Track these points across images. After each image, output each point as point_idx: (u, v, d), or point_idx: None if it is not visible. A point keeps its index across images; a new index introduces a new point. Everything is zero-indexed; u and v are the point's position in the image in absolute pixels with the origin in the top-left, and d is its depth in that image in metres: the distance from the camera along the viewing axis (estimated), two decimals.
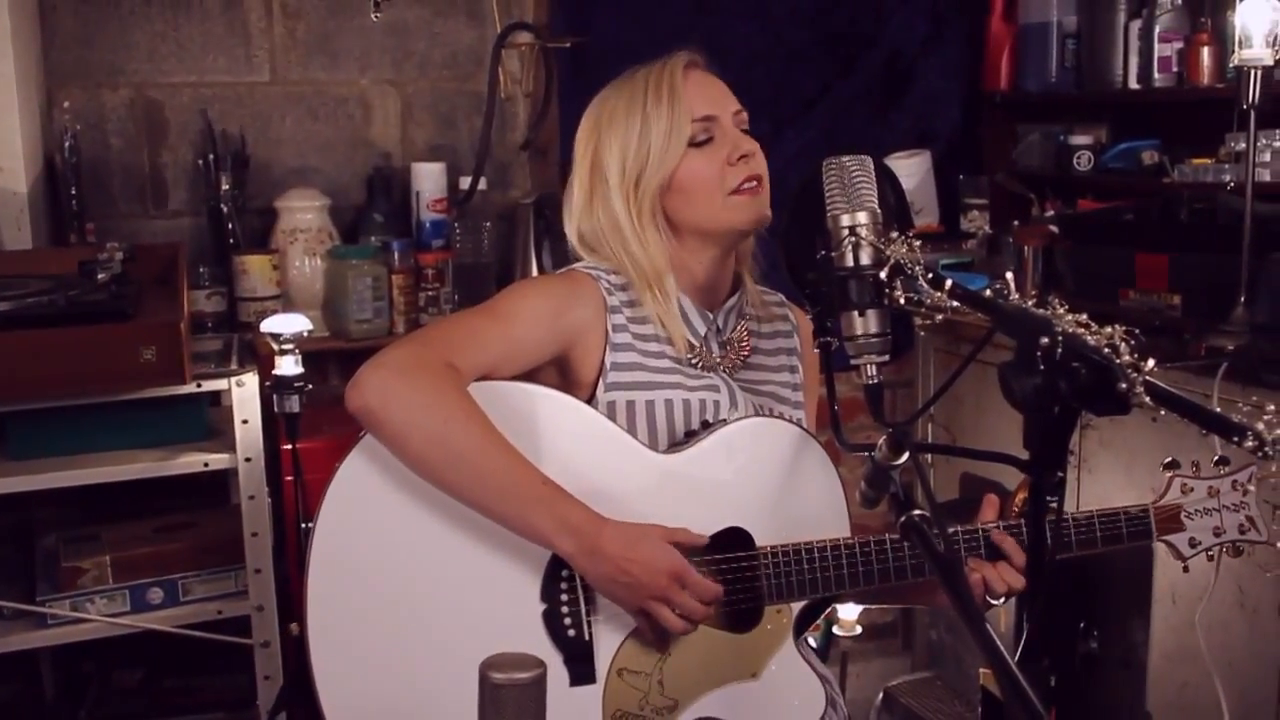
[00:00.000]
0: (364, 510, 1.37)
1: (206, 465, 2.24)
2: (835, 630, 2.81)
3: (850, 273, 1.19)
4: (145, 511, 2.45)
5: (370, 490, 1.36)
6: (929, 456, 2.88)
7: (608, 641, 1.40)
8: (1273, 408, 0.98)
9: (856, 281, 1.19)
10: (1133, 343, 0.98)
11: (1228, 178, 2.60)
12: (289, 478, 2.28)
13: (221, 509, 2.52)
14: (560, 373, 1.50)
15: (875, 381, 1.20)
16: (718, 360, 1.55)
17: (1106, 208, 2.89)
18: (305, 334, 2.16)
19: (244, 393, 2.23)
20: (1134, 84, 2.89)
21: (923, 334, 2.95)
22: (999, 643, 0.92)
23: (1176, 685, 2.31)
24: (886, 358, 1.21)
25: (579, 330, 1.47)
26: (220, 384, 2.24)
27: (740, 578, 1.43)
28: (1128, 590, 2.38)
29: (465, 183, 2.85)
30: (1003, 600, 1.45)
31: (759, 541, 1.44)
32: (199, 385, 2.20)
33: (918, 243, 1.19)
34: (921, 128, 3.29)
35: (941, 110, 3.31)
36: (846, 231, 1.20)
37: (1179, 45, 2.77)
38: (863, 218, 1.20)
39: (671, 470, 1.44)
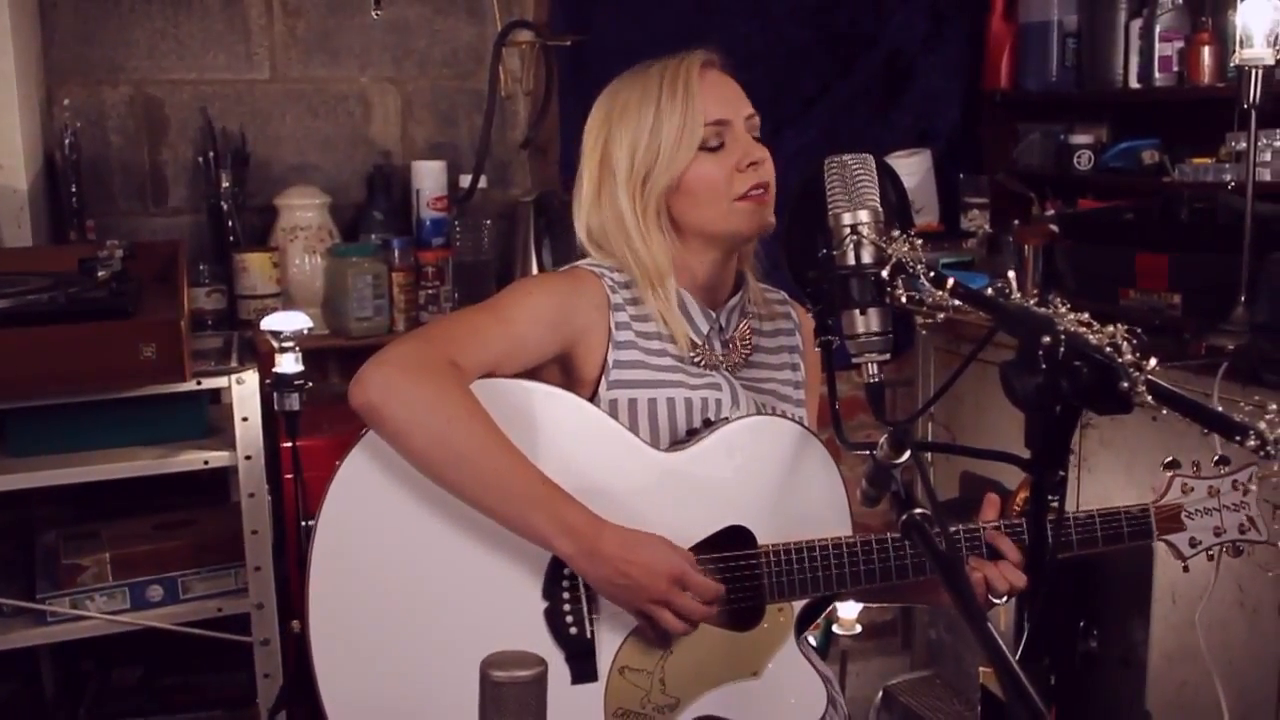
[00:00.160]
0: (366, 507, 1.36)
1: (206, 463, 2.24)
2: (835, 629, 2.81)
3: (852, 271, 1.19)
4: (145, 509, 2.45)
5: (372, 487, 1.36)
6: (929, 455, 2.88)
7: (609, 639, 1.40)
8: (1274, 407, 0.98)
9: (858, 280, 1.19)
10: (1134, 342, 0.98)
11: (1228, 177, 2.60)
12: (289, 475, 2.28)
13: (221, 507, 2.52)
14: (563, 370, 1.50)
15: (876, 380, 1.20)
16: (720, 359, 1.55)
17: (1107, 207, 2.89)
18: (305, 332, 2.15)
19: (244, 390, 2.23)
20: (1134, 83, 2.89)
21: (924, 333, 2.95)
22: (1000, 641, 0.92)
23: (1176, 684, 2.31)
24: (888, 356, 1.21)
25: (582, 328, 1.47)
26: (220, 382, 2.24)
27: (742, 576, 1.43)
28: (1128, 589, 2.39)
29: (465, 181, 2.85)
30: (1004, 599, 1.45)
31: (760, 540, 1.44)
32: (199, 383, 2.20)
33: (919, 241, 1.19)
34: (922, 127, 3.29)
35: (942, 109, 3.31)
36: (848, 230, 1.20)
37: (1179, 44, 2.77)
38: (864, 216, 1.20)
39: (673, 469, 1.44)
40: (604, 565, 1.32)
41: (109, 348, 2.04)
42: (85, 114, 2.71)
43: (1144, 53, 2.85)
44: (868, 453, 1.18)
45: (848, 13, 3.18)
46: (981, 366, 1.22)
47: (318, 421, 2.33)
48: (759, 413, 1.53)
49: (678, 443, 1.47)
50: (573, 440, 1.41)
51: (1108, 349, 0.97)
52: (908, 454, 1.15)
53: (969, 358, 1.16)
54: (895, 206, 1.27)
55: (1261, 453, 0.94)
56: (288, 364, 2.14)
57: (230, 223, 2.72)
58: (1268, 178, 2.50)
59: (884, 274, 1.18)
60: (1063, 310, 1.02)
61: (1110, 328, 0.99)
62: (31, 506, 2.48)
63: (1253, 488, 1.52)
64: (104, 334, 2.04)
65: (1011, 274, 1.13)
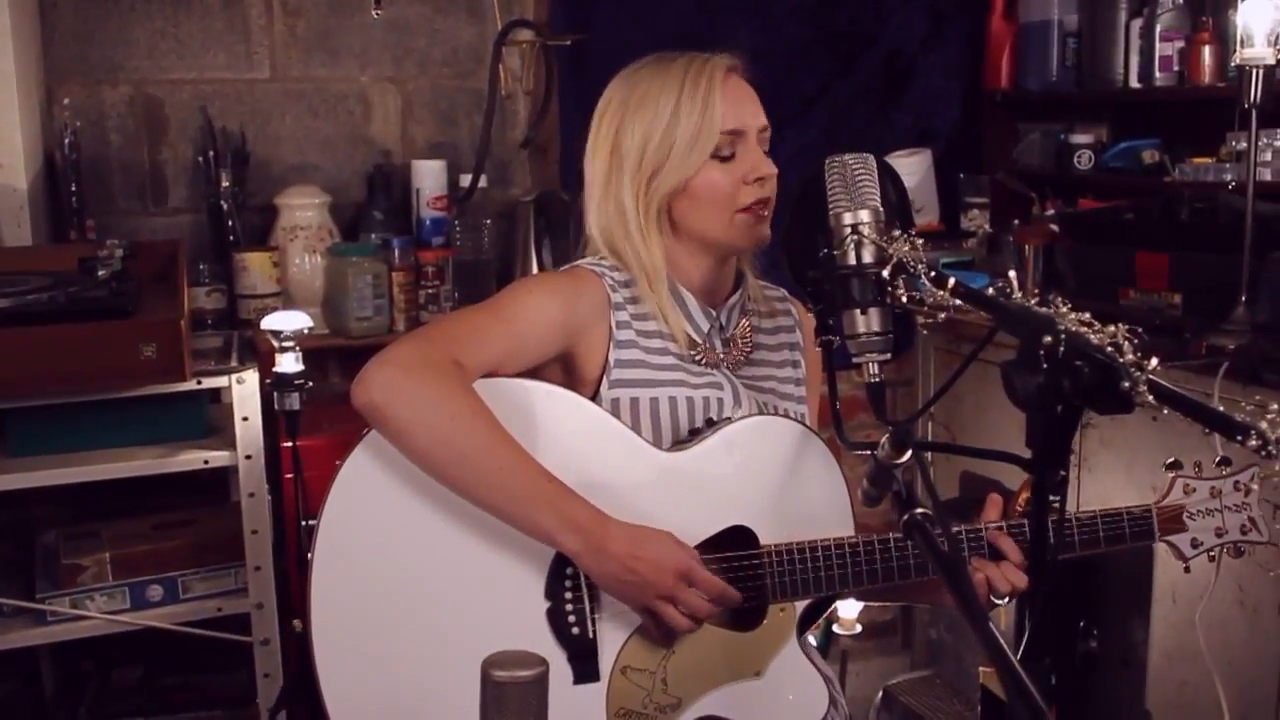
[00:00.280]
0: (368, 507, 1.36)
1: (206, 462, 2.24)
2: (835, 629, 2.81)
3: (852, 271, 1.19)
4: (145, 509, 2.45)
5: (374, 487, 1.36)
6: (929, 455, 2.88)
7: (612, 639, 1.40)
8: (1276, 407, 0.97)
9: (859, 279, 1.19)
10: (1136, 342, 0.98)
11: (1229, 177, 2.60)
12: (289, 475, 2.28)
13: (221, 506, 2.52)
14: (564, 370, 1.50)
15: (877, 380, 1.20)
16: (721, 357, 1.55)
17: (1107, 207, 2.89)
18: (305, 331, 2.15)
19: (244, 390, 2.23)
20: (1135, 83, 2.89)
21: (925, 332, 2.95)
22: (1002, 642, 0.92)
23: (1176, 684, 2.31)
24: (889, 356, 1.21)
25: (583, 327, 1.47)
26: (220, 381, 2.24)
27: (744, 576, 1.43)
28: (1128, 589, 2.38)
29: (465, 180, 2.85)
30: (1006, 600, 1.45)
31: (763, 540, 1.44)
32: (199, 382, 2.20)
33: (920, 241, 1.19)
34: (922, 126, 3.29)
35: (942, 109, 3.31)
36: (849, 229, 1.20)
37: (1180, 44, 2.77)
38: (865, 216, 1.20)
39: (675, 468, 1.44)
40: (610, 562, 1.32)
41: (109, 347, 2.04)
42: (85, 113, 2.71)
43: (1144, 52, 2.85)
44: (869, 453, 1.18)
45: (848, 12, 3.18)
46: (981, 366, 1.22)
47: (318, 421, 2.33)
48: (760, 412, 1.53)
49: (680, 442, 1.47)
50: (574, 440, 1.41)
51: (1109, 349, 0.97)
52: (909, 454, 1.15)
53: (969, 357, 1.16)
54: (896, 206, 1.27)
55: (1263, 453, 0.94)
56: (288, 363, 2.14)
57: (230, 222, 2.72)
58: (1268, 177, 2.50)
59: (885, 274, 1.18)
60: (1064, 310, 1.02)
61: (1111, 327, 0.99)
62: (31, 506, 2.48)
63: (1254, 488, 1.52)
64: (104, 333, 2.04)
65: (1012, 274, 1.14)
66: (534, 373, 1.46)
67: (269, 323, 2.16)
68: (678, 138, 1.45)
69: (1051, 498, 1.05)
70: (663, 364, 1.50)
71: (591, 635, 1.39)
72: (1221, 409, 0.98)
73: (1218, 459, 1.53)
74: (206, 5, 2.79)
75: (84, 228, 2.59)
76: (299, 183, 2.83)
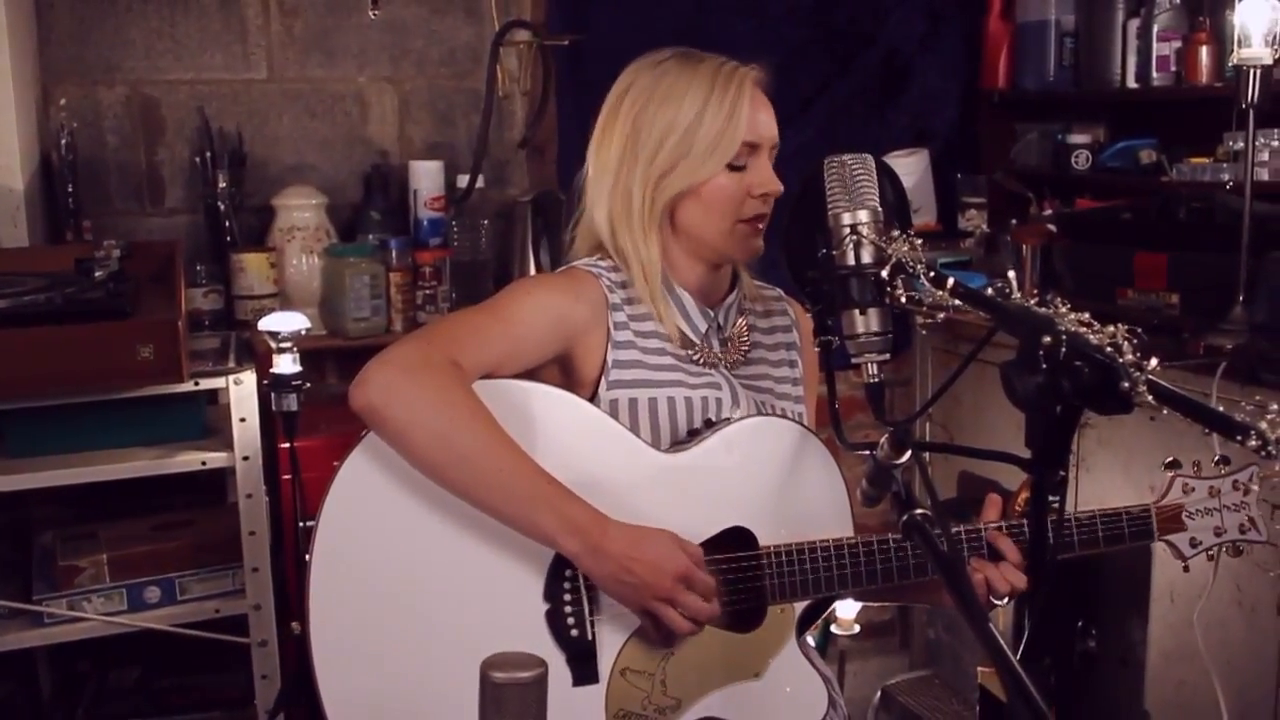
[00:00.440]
0: (366, 508, 1.36)
1: (204, 464, 2.24)
2: (833, 629, 2.81)
3: (851, 271, 1.19)
4: (142, 510, 2.44)
5: (373, 488, 1.36)
6: (927, 455, 2.88)
7: (611, 641, 1.40)
8: (1276, 407, 0.97)
9: (858, 279, 1.19)
10: (1135, 342, 0.98)
11: (1226, 177, 2.60)
12: (286, 476, 2.28)
13: (219, 507, 2.51)
14: (562, 371, 1.49)
15: (876, 380, 1.20)
16: (719, 356, 1.55)
17: (1105, 207, 2.89)
18: (303, 332, 2.15)
19: (241, 391, 2.23)
20: (1132, 83, 2.89)
21: (923, 333, 2.94)
22: (1002, 642, 0.92)
23: (1174, 684, 2.31)
24: (887, 356, 1.21)
25: (581, 328, 1.47)
26: (218, 382, 2.23)
27: (743, 577, 1.43)
28: (1126, 589, 2.39)
29: (463, 181, 2.85)
30: (1005, 600, 1.45)
31: (762, 541, 1.44)
32: (196, 383, 2.20)
33: (919, 241, 1.19)
34: (919, 126, 3.30)
35: (939, 109, 3.31)
36: (848, 230, 1.20)
37: (1177, 44, 2.78)
38: (864, 216, 1.20)
39: (674, 469, 1.44)
40: (609, 562, 1.32)
41: (106, 348, 2.03)
42: (81, 114, 2.71)
43: (1142, 52, 2.85)
44: (869, 453, 1.18)
45: (846, 12, 3.18)
46: (980, 367, 1.22)
47: (315, 422, 2.33)
48: (759, 412, 1.53)
49: (678, 443, 1.47)
50: (573, 441, 1.41)
51: (1108, 349, 0.97)
52: (908, 454, 1.15)
53: (969, 357, 1.16)
54: (894, 206, 1.27)
55: (1263, 453, 0.94)
56: (285, 364, 2.14)
57: (227, 223, 2.72)
58: (1265, 177, 2.50)
59: (884, 274, 1.18)
60: (1063, 310, 1.02)
61: (1111, 327, 0.99)
62: (29, 507, 2.48)
63: (1254, 487, 1.53)
64: (101, 334, 2.04)
65: (1011, 274, 1.13)
66: (532, 374, 1.46)
67: (266, 324, 2.15)
68: (699, 139, 1.45)
69: (1051, 498, 1.05)
70: (661, 364, 1.50)
71: (590, 637, 1.39)
72: (1221, 409, 0.98)
73: (1216, 458, 1.53)
74: (203, 5, 2.79)
75: (80, 228, 2.59)
76: (296, 183, 2.82)
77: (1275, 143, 2.53)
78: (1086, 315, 1.01)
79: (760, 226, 1.50)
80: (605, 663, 1.40)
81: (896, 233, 1.19)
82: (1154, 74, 2.83)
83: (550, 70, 2.91)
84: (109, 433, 2.22)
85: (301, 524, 2.20)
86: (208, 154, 2.71)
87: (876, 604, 3.04)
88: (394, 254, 2.71)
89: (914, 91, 3.27)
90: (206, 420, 2.34)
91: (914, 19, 3.24)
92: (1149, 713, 2.37)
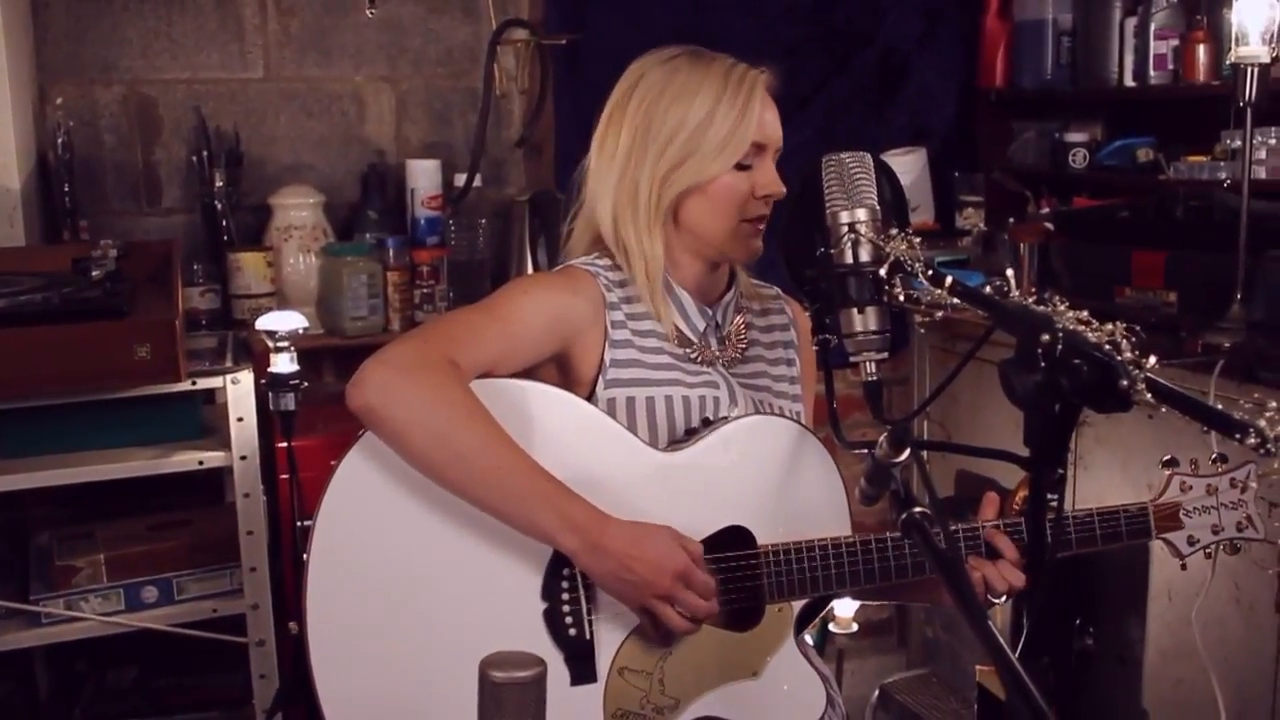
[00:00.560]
0: (364, 508, 1.36)
1: (201, 463, 2.24)
2: (831, 627, 2.81)
3: (850, 269, 1.19)
4: (140, 510, 2.44)
5: (370, 488, 1.36)
6: (924, 453, 2.88)
7: (609, 640, 1.40)
8: (1275, 404, 0.97)
9: (856, 278, 1.19)
10: (1134, 340, 0.98)
11: (1223, 175, 2.60)
12: (284, 476, 2.27)
13: (216, 507, 2.51)
14: (560, 370, 1.49)
15: (874, 379, 1.20)
16: (716, 355, 1.55)
17: (1102, 205, 2.89)
18: (301, 331, 2.15)
19: (239, 390, 2.23)
20: (1129, 81, 2.90)
21: (922, 331, 2.95)
22: (1002, 640, 0.92)
23: (1172, 682, 2.31)
24: (886, 355, 1.21)
25: (578, 327, 1.47)
26: (215, 382, 2.23)
27: (741, 576, 1.43)
28: (1124, 587, 2.39)
29: (460, 180, 2.85)
30: (1003, 599, 1.45)
31: (760, 539, 1.44)
32: (194, 383, 2.19)
33: (917, 239, 1.19)
34: (917, 125, 3.30)
35: (937, 107, 3.31)
36: (846, 228, 1.19)
37: (1175, 42, 2.78)
38: (862, 214, 1.19)
39: (672, 468, 1.43)
40: (609, 560, 1.32)
41: (103, 348, 2.03)
42: (78, 113, 2.70)
43: (1139, 50, 2.85)
44: (867, 451, 1.18)
45: (843, 11, 3.18)
46: (977, 365, 1.22)
47: (313, 421, 2.32)
48: (756, 410, 1.53)
49: (676, 442, 1.47)
50: (571, 440, 1.41)
51: (1107, 347, 0.97)
52: (907, 452, 1.15)
53: (967, 356, 1.15)
54: (892, 204, 1.27)
55: (1262, 450, 0.94)
56: (283, 364, 2.13)
57: (224, 222, 2.71)
58: (1263, 175, 2.50)
59: (882, 272, 1.18)
60: (1061, 308, 1.02)
61: (1109, 325, 0.99)
62: (26, 507, 2.47)
63: (1251, 485, 1.52)
64: (98, 334, 2.03)
65: (1010, 272, 1.13)
66: (529, 373, 1.46)
67: (264, 323, 2.15)
68: (711, 136, 1.45)
69: (1049, 496, 1.05)
70: (658, 363, 1.50)
71: (589, 636, 1.39)
72: (1220, 407, 0.98)
73: (1214, 456, 1.53)
74: (200, 5, 2.78)
75: (77, 228, 2.58)
76: (293, 182, 2.82)
77: (1273, 141, 2.53)
78: (1085, 313, 1.01)
79: (761, 227, 1.51)
80: (603, 662, 1.39)
81: (895, 231, 1.19)
82: (1151, 72, 2.83)
83: (548, 69, 2.91)
84: (106, 432, 2.22)
85: (299, 523, 2.20)
86: (204, 153, 2.71)
87: (874, 602, 3.04)
88: (391, 253, 2.71)
89: (911, 90, 3.27)
90: (204, 420, 2.34)
91: (911, 18, 3.24)
92: (1147, 711, 2.37)
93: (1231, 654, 2.17)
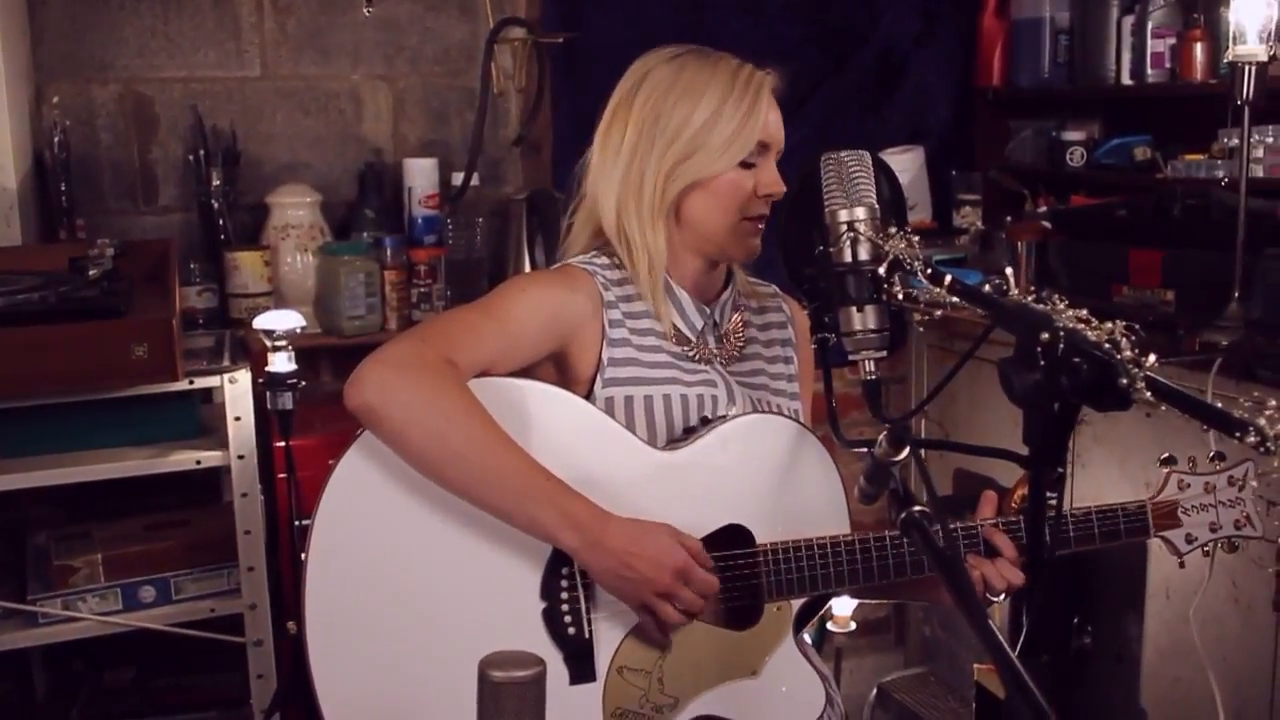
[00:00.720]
0: (362, 507, 1.36)
1: (199, 463, 2.23)
2: (829, 626, 2.81)
3: (849, 268, 1.19)
4: (137, 509, 2.43)
5: (369, 487, 1.35)
6: (922, 452, 2.88)
7: (608, 639, 1.40)
8: (1274, 403, 0.97)
9: (855, 277, 1.19)
10: (1133, 338, 0.98)
11: (1221, 173, 2.61)
12: (282, 475, 2.27)
13: (214, 507, 2.51)
14: (557, 369, 1.49)
15: (873, 377, 1.20)
16: (714, 353, 1.55)
17: (1099, 204, 2.90)
18: (298, 330, 2.15)
19: (236, 390, 2.23)
20: (1127, 80, 2.90)
21: (920, 329, 2.95)
22: (1002, 639, 0.92)
23: (1170, 680, 2.31)
24: (885, 353, 1.21)
25: (576, 326, 1.47)
26: (213, 381, 2.23)
27: (740, 575, 1.43)
28: (1122, 585, 2.39)
29: (457, 178, 2.84)
30: (1002, 597, 1.45)
31: (759, 538, 1.44)
32: (191, 382, 2.19)
33: (916, 238, 1.19)
34: (914, 124, 3.30)
35: (934, 106, 3.31)
36: (845, 227, 1.20)
37: (1172, 41, 2.78)
38: (861, 213, 1.20)
39: (671, 466, 1.43)
40: (608, 557, 1.32)
41: (101, 347, 2.03)
42: (75, 112, 2.70)
43: (1136, 49, 2.86)
44: (866, 450, 1.17)
45: (840, 9, 3.18)
46: (975, 364, 1.22)
47: (310, 421, 2.32)
48: (754, 409, 1.53)
49: (674, 441, 1.47)
50: (569, 439, 1.40)
51: (1107, 345, 0.97)
52: (906, 451, 1.15)
53: (966, 354, 1.15)
54: (890, 203, 1.27)
55: (1262, 449, 0.94)
56: (280, 363, 2.13)
57: (221, 221, 2.71)
58: (1260, 174, 2.51)
59: (881, 271, 1.18)
60: (1061, 307, 1.02)
61: (1109, 324, 0.99)
62: (23, 507, 2.47)
63: (1252, 483, 1.53)
64: (96, 333, 2.03)
65: (1009, 270, 1.13)
66: (527, 372, 1.46)
67: (261, 322, 2.15)
68: (717, 133, 1.46)
69: (1048, 495, 1.05)
70: (656, 362, 1.50)
71: (588, 635, 1.39)
72: (1219, 405, 0.98)
73: (1211, 454, 1.53)
74: (197, 3, 2.78)
75: (74, 227, 2.58)
76: (290, 181, 2.82)
77: (1270, 139, 2.53)
78: (1084, 312, 1.01)
79: (760, 226, 1.51)
80: (602, 661, 1.39)
81: (893, 230, 1.19)
82: (1149, 71, 2.83)
83: (545, 68, 2.90)
84: (103, 432, 2.21)
85: (297, 523, 2.19)
86: (201, 152, 2.70)
87: (873, 601, 3.04)
88: (388, 252, 2.71)
89: (909, 89, 3.27)
90: (201, 419, 2.33)
91: (908, 17, 3.25)
92: (1145, 709, 2.38)
93: (1229, 652, 2.17)
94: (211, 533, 2.32)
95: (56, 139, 2.54)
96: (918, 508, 1.07)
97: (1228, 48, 2.26)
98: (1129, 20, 2.87)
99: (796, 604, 1.47)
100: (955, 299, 1.14)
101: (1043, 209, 3.00)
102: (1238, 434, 0.95)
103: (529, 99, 2.96)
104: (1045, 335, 0.98)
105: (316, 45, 2.87)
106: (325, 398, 2.65)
